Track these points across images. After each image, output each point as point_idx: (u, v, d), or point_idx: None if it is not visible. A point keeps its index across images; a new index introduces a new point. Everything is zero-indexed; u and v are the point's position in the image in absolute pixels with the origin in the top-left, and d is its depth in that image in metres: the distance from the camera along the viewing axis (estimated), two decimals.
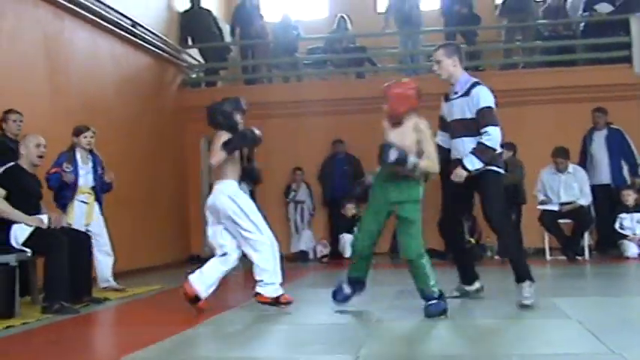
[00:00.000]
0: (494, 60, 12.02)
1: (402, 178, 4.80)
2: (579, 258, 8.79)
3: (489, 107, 5.17)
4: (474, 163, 5.13)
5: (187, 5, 11.77)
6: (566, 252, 8.87)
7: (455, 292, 5.56)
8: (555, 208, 8.98)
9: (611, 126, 9.57)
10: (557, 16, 11.56)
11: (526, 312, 4.92)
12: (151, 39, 10.31)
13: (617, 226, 9.04)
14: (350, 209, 9.81)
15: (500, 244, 5.73)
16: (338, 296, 5.23)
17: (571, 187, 8.97)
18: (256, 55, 12.40)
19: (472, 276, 5.68)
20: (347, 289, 5.21)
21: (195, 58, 12.13)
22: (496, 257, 9.51)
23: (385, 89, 4.88)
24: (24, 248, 5.56)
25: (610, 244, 9.33)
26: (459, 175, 5.20)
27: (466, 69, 11.51)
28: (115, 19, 9.23)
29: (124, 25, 9.46)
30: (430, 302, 4.70)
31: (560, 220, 9.05)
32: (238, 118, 5.41)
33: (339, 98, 11.01)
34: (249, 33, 12.17)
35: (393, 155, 4.60)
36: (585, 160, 9.55)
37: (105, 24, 9.02)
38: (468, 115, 5.21)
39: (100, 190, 7.15)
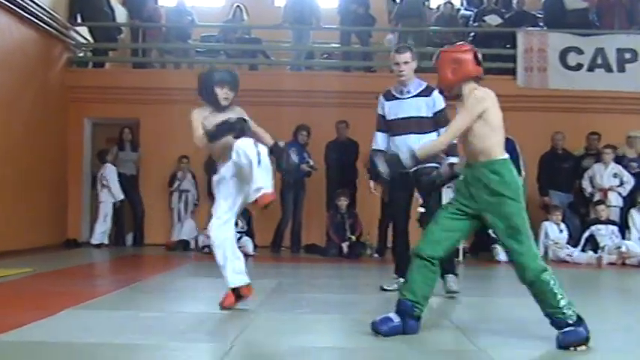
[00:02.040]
0: (387, 62, 12.22)
1: None
2: (456, 260, 9.07)
3: (446, 108, 5.55)
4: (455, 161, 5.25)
5: None
6: None
7: (394, 285, 5.60)
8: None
9: (508, 137, 9.90)
10: (449, 25, 11.91)
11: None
12: (37, 12, 9.84)
13: (490, 230, 9.37)
14: None
15: None
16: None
17: (450, 192, 9.25)
18: (147, 39, 12.11)
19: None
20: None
21: (84, 37, 11.69)
22: (375, 255, 9.71)
23: (435, 59, 4.07)
24: None
25: (483, 248, 9.70)
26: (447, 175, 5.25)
27: (358, 68, 11.72)
28: None
29: None
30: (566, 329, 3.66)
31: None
32: (221, 93, 4.70)
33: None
34: (140, 15, 11.86)
35: (384, 171, 4.07)
36: None
37: None
38: (424, 114, 5.57)
39: None
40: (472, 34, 11.81)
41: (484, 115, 3.85)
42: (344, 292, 6.03)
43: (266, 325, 4.30)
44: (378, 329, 3.84)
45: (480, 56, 3.98)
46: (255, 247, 9.67)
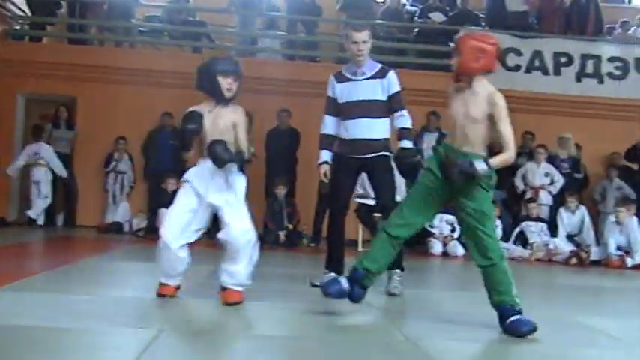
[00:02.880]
0: (331, 53, 12.27)
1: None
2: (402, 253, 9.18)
3: (401, 91, 5.33)
4: (411, 146, 5.24)
5: None
6: None
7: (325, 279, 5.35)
8: (372, 202, 9.33)
9: (442, 130, 10.10)
10: (395, 19, 12.01)
11: (331, 300, 5.07)
12: None
13: (427, 224, 9.53)
14: (172, 184, 9.64)
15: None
16: None
17: None
18: (88, 16, 11.84)
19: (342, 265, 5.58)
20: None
21: (21, 9, 11.35)
22: (311, 245, 9.76)
23: (457, 39, 4.05)
24: None
25: (417, 241, 9.85)
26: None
27: (302, 58, 11.73)
28: None
29: None
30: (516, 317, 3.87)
31: (375, 214, 9.40)
32: (225, 83, 4.33)
33: (172, 71, 10.75)
34: None
35: (460, 176, 3.87)
36: None
37: None
38: (379, 97, 5.24)
39: None
40: (416, 29, 11.94)
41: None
42: (278, 280, 6.05)
43: (197, 310, 4.28)
44: (327, 290, 4.07)
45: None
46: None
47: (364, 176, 5.48)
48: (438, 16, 11.84)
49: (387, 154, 5.25)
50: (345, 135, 5.31)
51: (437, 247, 9.41)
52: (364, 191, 9.44)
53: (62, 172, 10.30)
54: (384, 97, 5.26)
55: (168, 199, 9.38)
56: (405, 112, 5.31)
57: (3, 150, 10.73)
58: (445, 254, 9.40)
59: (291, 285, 5.76)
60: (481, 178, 3.90)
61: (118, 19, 11.73)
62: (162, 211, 9.44)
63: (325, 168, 5.35)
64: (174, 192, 9.46)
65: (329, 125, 5.39)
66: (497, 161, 3.95)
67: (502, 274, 3.93)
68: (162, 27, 12.04)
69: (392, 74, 5.32)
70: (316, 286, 5.22)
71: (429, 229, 9.51)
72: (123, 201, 10.56)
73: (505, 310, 3.88)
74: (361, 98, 5.25)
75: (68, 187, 10.70)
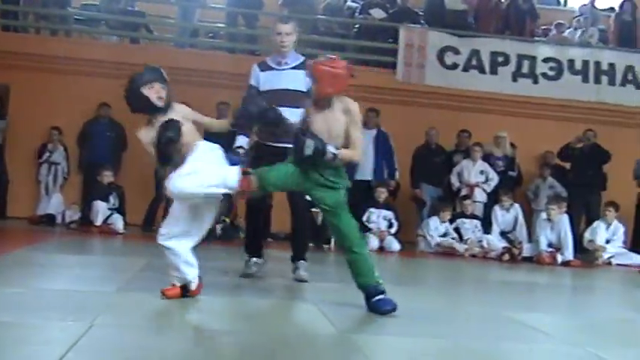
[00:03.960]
0: (271, 46, 12.21)
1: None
2: (326, 247, 9.24)
3: None
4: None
5: None
6: (314, 240, 9.27)
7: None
8: (309, 197, 9.34)
9: (381, 128, 10.18)
10: (335, 15, 12.05)
11: (267, 292, 5.08)
12: None
13: (364, 218, 9.62)
14: (107, 176, 9.49)
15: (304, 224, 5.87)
16: None
17: None
18: (23, 3, 11.52)
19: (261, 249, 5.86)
20: None
21: None
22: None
23: (311, 66, 4.33)
24: None
25: None
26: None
27: (242, 51, 11.66)
28: None
29: None
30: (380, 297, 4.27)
31: (313, 209, 9.42)
32: (152, 93, 4.17)
33: (110, 61, 10.56)
34: None
35: (309, 149, 4.07)
36: None
37: None
38: (300, 87, 5.36)
39: None
40: (357, 25, 12.01)
41: None
42: (214, 274, 6.00)
43: (130, 304, 4.23)
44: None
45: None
46: (126, 224, 9.46)
47: None
48: (378, 13, 11.93)
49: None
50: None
51: (373, 242, 9.49)
52: None
53: None
54: (303, 89, 5.35)
55: (103, 192, 9.33)
56: None
57: None
58: (381, 249, 9.49)
59: (228, 278, 5.72)
60: (328, 159, 4.11)
61: (53, 7, 11.44)
62: (97, 203, 9.32)
63: (242, 152, 5.44)
64: (110, 184, 9.41)
65: None
66: (343, 152, 4.17)
67: (364, 262, 4.30)
68: (100, 16, 11.80)
69: None
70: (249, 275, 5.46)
71: (367, 224, 9.59)
72: (56, 192, 10.34)
73: (369, 291, 4.23)
74: (283, 87, 5.43)
75: None
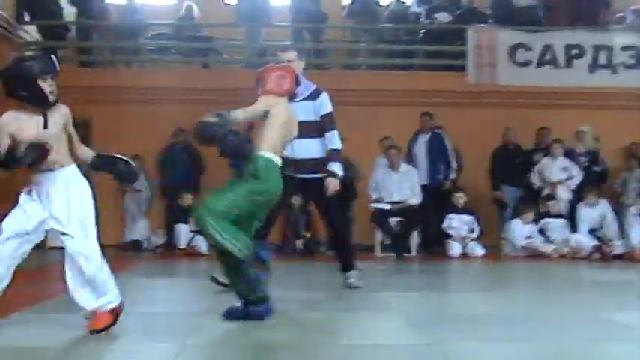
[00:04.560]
0: (339, 59, 12.27)
1: None
2: (407, 255, 9.14)
3: (332, 112, 5.61)
4: (340, 169, 5.53)
5: None
6: (395, 249, 9.20)
7: None
8: (387, 207, 9.29)
9: (435, 130, 10.06)
10: (400, 22, 11.99)
11: (354, 305, 5.04)
12: None
13: (445, 225, 9.48)
14: (187, 199, 9.67)
15: (335, 237, 5.95)
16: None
17: (403, 187, 9.32)
18: (97, 38, 11.92)
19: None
20: None
21: (32, 36, 11.46)
22: (329, 252, 9.74)
23: (261, 73, 4.66)
24: None
25: (435, 243, 9.80)
26: (333, 185, 5.49)
27: (309, 66, 11.71)
28: None
29: None
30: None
31: (391, 219, 9.36)
32: (47, 86, 3.87)
33: (182, 87, 10.80)
34: (88, 13, 11.66)
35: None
36: (409, 162, 9.94)
37: None
38: (313, 118, 5.48)
39: None
40: (423, 30, 11.92)
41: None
42: (299, 289, 6.02)
43: (220, 324, 4.27)
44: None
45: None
46: (210, 246, 9.59)
47: (379, 180, 5.55)
48: (443, 16, 11.80)
49: (321, 175, 5.51)
50: (293, 154, 5.43)
51: (456, 248, 9.34)
52: (379, 196, 9.43)
53: None
54: (316, 118, 5.52)
55: (184, 215, 9.50)
56: (334, 132, 5.58)
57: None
58: (465, 255, 9.33)
59: (315, 293, 5.72)
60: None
61: (126, 40, 11.79)
62: (179, 226, 9.50)
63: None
64: (190, 207, 9.58)
65: None
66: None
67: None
68: (170, 44, 12.09)
69: (323, 96, 5.61)
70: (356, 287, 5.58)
71: (447, 230, 9.45)
72: (141, 218, 10.58)
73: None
74: (298, 119, 5.42)
75: None
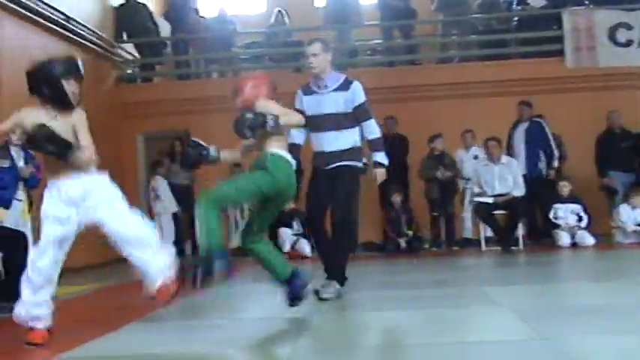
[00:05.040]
0: (431, 54, 12.15)
1: None
2: (514, 248, 8.95)
3: (366, 101, 5.45)
4: (384, 158, 5.42)
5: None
6: (501, 242, 9.02)
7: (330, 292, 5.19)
8: (490, 200, 9.13)
9: (534, 119, 9.78)
10: (491, 11, 11.76)
11: (461, 301, 4.98)
12: (85, 34, 10.09)
13: (551, 215, 9.23)
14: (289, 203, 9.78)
15: (341, 241, 5.40)
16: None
17: (505, 179, 9.11)
18: (192, 51, 12.26)
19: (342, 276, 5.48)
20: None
21: (130, 53, 11.92)
22: (433, 249, 9.67)
23: (238, 84, 4.76)
24: None
25: (543, 234, 9.55)
26: (381, 174, 5.39)
27: (402, 63, 11.63)
28: (48, 14, 9.01)
29: (57, 19, 9.24)
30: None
31: (495, 212, 9.18)
32: (69, 87, 3.94)
33: (276, 92, 10.94)
34: (182, 27, 12.02)
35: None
36: (509, 152, 9.72)
37: (37, 18, 8.79)
38: (343, 109, 5.36)
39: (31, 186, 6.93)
40: (516, 18, 11.65)
41: None
42: (405, 287, 5.99)
43: (330, 325, 4.31)
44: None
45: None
46: (312, 248, 9.69)
47: (480, 175, 5.35)
48: (537, 1, 11.50)
49: (353, 163, 5.37)
50: (315, 147, 5.48)
51: (564, 238, 9.06)
52: (481, 189, 9.27)
53: (171, 206, 10.60)
54: (348, 110, 5.37)
55: (286, 218, 9.63)
56: (371, 121, 5.45)
57: (129, 188, 11.18)
58: (574, 245, 9.04)
59: (421, 290, 5.68)
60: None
61: (220, 51, 12.08)
62: (282, 230, 9.64)
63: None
64: (291, 211, 9.69)
65: (294, 136, 5.51)
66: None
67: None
68: (263, 52, 12.29)
69: (355, 85, 5.43)
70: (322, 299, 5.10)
71: (554, 220, 9.19)
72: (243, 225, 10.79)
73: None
74: (326, 112, 5.37)
75: (190, 216, 11.01)
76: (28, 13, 8.61)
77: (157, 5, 13.17)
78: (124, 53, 11.74)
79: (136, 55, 12.02)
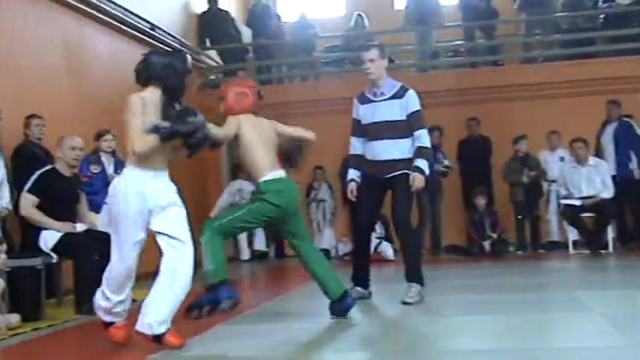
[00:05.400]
0: (514, 54, 11.95)
1: None
2: (603, 252, 8.71)
3: (420, 110, 5.36)
4: (426, 166, 5.30)
5: (205, 7, 11.84)
6: (590, 246, 8.79)
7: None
8: (577, 202, 8.91)
9: (623, 118, 9.50)
10: (576, 9, 11.48)
11: (549, 306, 4.90)
12: (169, 41, 10.38)
13: None
14: None
15: (408, 243, 5.48)
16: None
17: (592, 181, 8.88)
18: (272, 56, 12.44)
19: (367, 279, 5.60)
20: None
21: (214, 60, 12.18)
22: (518, 252, 9.51)
23: (222, 88, 4.79)
24: (50, 253, 5.65)
25: (634, 237, 9.26)
26: (419, 180, 5.24)
27: (485, 64, 11.50)
28: (134, 23, 9.32)
29: (143, 28, 9.55)
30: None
31: (582, 214, 8.96)
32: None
33: (351, 97, 10.98)
34: (264, 33, 12.21)
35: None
36: (597, 153, 9.45)
37: (124, 27, 9.11)
38: (398, 117, 5.28)
39: None
40: (602, 15, 11.34)
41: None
42: (491, 291, 5.93)
43: (413, 329, 4.31)
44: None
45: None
46: (395, 251, 9.68)
47: (567, 177, 5.16)
48: None
49: (409, 172, 5.24)
50: (370, 156, 5.41)
51: None
52: (568, 192, 9.06)
53: None
54: (403, 117, 5.28)
55: None
56: (423, 131, 5.31)
57: (213, 191, 11.46)
58: None
59: (507, 295, 5.61)
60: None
61: (301, 55, 12.21)
62: None
63: (352, 186, 5.48)
64: None
65: (356, 146, 5.52)
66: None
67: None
68: (344, 55, 12.34)
69: (411, 93, 5.33)
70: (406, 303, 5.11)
71: None
72: (327, 228, 10.88)
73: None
74: (381, 120, 5.31)
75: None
76: (117, 23, 8.94)
77: (239, 12, 13.41)
78: (207, 60, 12.01)
79: (219, 61, 12.28)
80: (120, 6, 8.87)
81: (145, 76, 3.94)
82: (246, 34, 12.58)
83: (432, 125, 9.87)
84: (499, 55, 11.86)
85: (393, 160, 5.30)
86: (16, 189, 5.97)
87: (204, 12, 11.87)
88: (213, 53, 12.19)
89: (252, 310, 5.37)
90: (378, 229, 9.60)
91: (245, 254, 10.80)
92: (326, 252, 10.59)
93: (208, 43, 11.94)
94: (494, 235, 9.42)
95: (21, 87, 6.92)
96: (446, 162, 9.83)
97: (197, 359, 3.72)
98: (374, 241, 9.56)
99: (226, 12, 12.08)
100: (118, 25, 8.98)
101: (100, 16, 8.57)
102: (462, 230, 10.05)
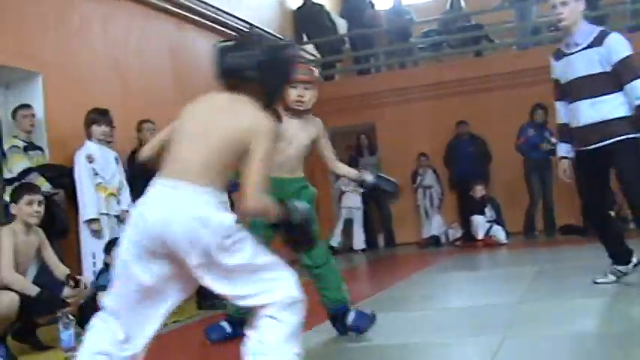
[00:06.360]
0: (621, 23, 11.42)
1: None
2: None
3: (630, 56, 4.38)
4: None
5: (300, 2, 11.94)
6: None
7: (610, 276, 4.74)
8: None
9: None
10: None
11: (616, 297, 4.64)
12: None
13: None
14: (479, 190, 9.64)
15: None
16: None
17: None
18: (369, 45, 12.39)
19: (625, 254, 4.78)
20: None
21: (311, 54, 12.27)
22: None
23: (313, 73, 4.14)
24: None
25: None
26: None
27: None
28: (233, 24, 9.50)
29: (242, 28, 9.72)
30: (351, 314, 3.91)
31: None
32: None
33: (458, 79, 10.84)
34: (359, 23, 12.19)
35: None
36: None
37: (224, 29, 9.31)
38: (599, 70, 4.39)
39: None
40: None
41: None
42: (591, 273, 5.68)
43: (535, 314, 4.20)
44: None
45: None
46: (508, 234, 9.48)
47: None
48: None
49: (628, 136, 4.39)
50: (573, 122, 4.58)
51: None
52: None
53: (356, 202, 10.79)
54: (606, 69, 4.38)
55: (478, 206, 9.50)
56: (635, 82, 4.31)
57: (321, 184, 11.52)
58: None
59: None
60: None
61: (398, 42, 12.12)
62: (475, 217, 9.51)
63: (565, 164, 4.74)
64: (483, 197, 9.53)
65: (562, 112, 4.72)
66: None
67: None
68: (442, 39, 12.16)
69: (612, 38, 4.41)
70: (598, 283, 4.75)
71: None
72: (435, 214, 10.78)
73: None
74: (577, 75, 4.47)
75: (380, 209, 11.15)
76: (217, 26, 9.14)
77: (333, 4, 13.43)
78: (305, 54, 12.09)
79: (317, 55, 12.35)
80: (218, 8, 9.08)
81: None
82: (342, 26, 12.60)
83: (536, 103, 9.64)
84: (605, 24, 11.35)
85: (596, 124, 4.43)
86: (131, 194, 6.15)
87: (299, 7, 11.98)
88: (310, 47, 12.28)
89: (365, 300, 5.37)
90: (488, 212, 9.45)
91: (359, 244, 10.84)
92: (436, 238, 10.51)
93: (305, 38, 12.03)
94: (612, 213, 9.04)
95: (126, 92, 7.22)
96: (553, 140, 9.52)
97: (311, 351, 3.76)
98: (484, 226, 9.42)
99: (321, 5, 12.13)
100: (218, 27, 9.19)
101: (201, 20, 8.80)
102: (577, 209, 9.70)
